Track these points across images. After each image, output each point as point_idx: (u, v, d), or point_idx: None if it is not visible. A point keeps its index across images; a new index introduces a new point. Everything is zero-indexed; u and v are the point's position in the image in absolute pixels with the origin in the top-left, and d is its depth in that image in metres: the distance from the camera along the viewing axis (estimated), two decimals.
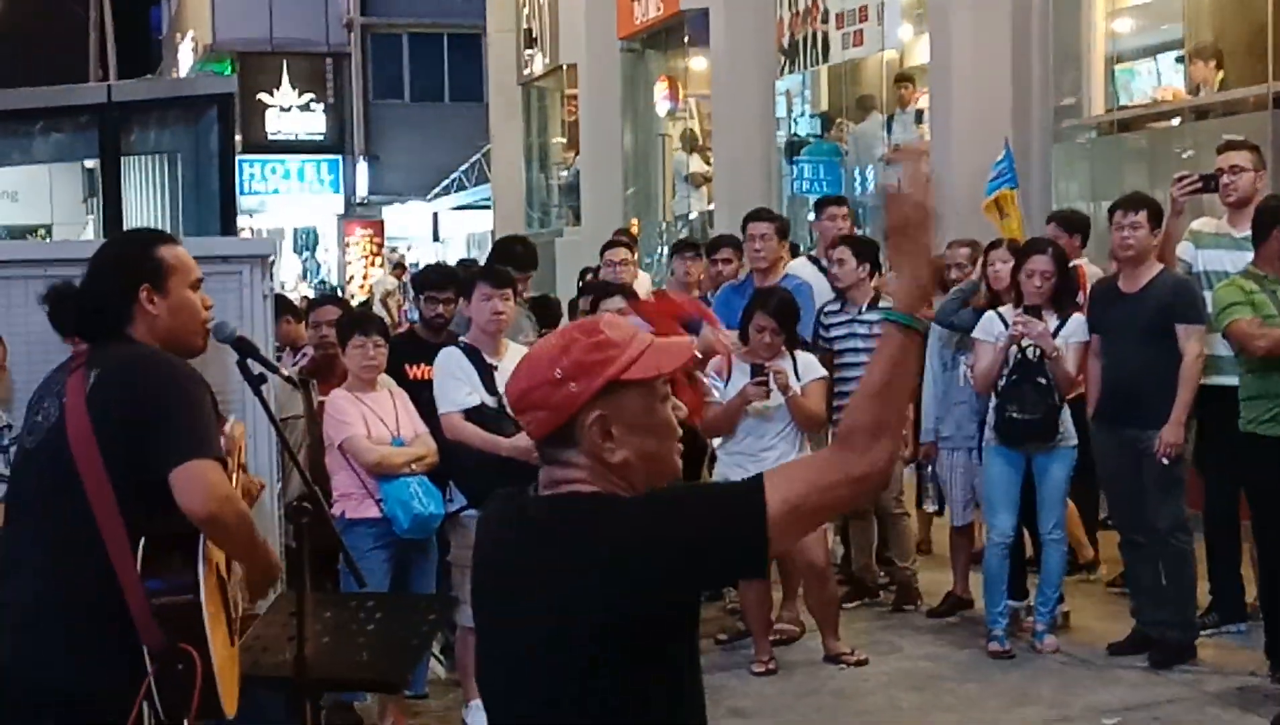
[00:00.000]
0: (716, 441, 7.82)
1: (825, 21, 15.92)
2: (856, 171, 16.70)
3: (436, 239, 35.65)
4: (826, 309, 8.62)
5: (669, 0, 19.49)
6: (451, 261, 17.80)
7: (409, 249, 35.80)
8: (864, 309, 8.44)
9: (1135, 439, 7.47)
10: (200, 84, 17.70)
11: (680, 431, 2.83)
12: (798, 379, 7.52)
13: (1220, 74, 11.47)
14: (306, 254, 39.44)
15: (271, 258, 6.60)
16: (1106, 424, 7.63)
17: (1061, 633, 8.01)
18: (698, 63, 20.11)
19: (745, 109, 17.32)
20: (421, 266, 16.58)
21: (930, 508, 8.91)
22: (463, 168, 33.35)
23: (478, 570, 2.89)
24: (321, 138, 38.22)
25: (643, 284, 13.87)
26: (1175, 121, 12.09)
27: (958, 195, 12.25)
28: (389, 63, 38.19)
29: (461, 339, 7.11)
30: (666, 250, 20.34)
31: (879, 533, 8.87)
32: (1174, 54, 12.39)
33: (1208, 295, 7.67)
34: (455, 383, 6.85)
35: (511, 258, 8.88)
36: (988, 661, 7.73)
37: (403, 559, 6.93)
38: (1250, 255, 7.49)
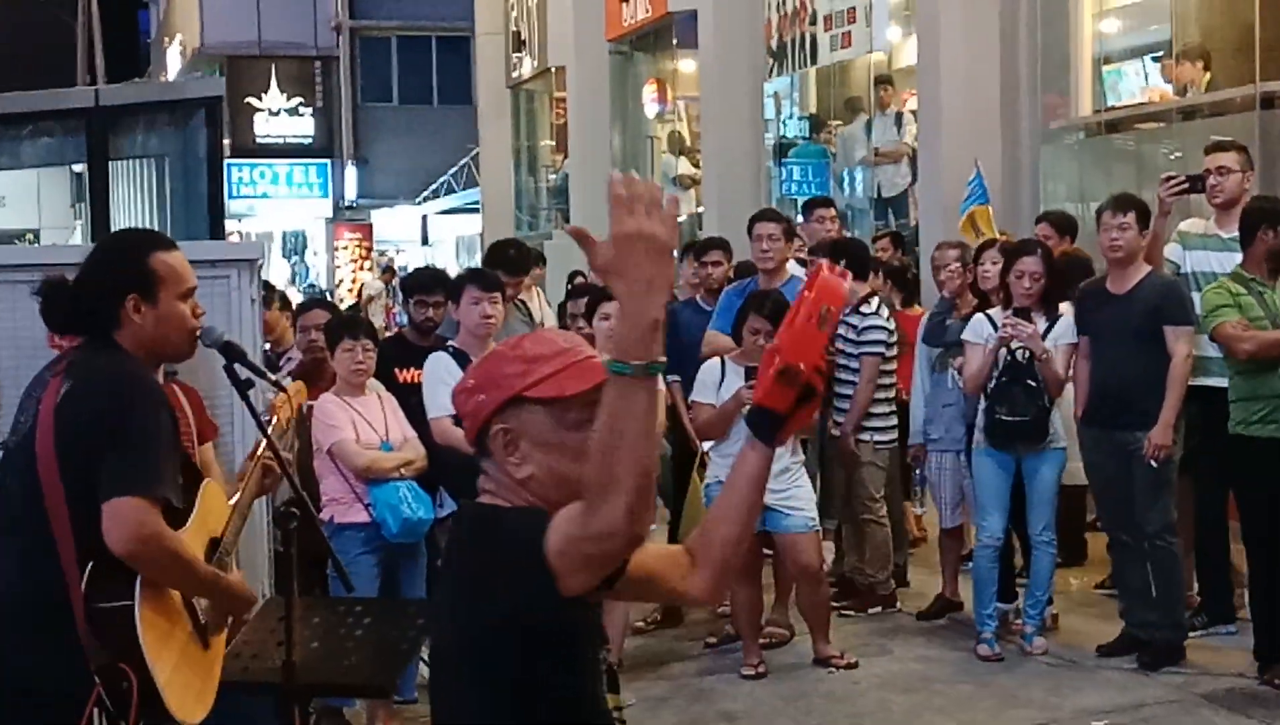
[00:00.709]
0: (708, 444, 7.80)
1: (813, 23, 15.92)
2: (845, 173, 16.71)
3: (425, 242, 35.66)
4: None
5: (657, 2, 19.50)
6: (440, 265, 17.84)
7: (398, 252, 35.80)
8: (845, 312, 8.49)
9: (1124, 441, 7.47)
10: (188, 88, 17.64)
11: None
12: None
13: (1207, 75, 11.49)
14: (295, 258, 39.40)
15: (260, 262, 6.58)
16: (1095, 426, 7.63)
17: (1051, 635, 8.01)
18: (686, 65, 20.12)
19: (734, 111, 17.32)
20: (410, 270, 16.58)
21: (919, 510, 8.91)
22: (451, 171, 33.35)
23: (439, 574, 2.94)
24: (310, 141, 38.19)
25: None
26: (1162, 124, 12.11)
27: (946, 197, 12.29)
28: (377, 66, 38.18)
29: (450, 343, 7.10)
30: None
31: (855, 541, 8.88)
32: (1161, 54, 12.40)
33: (1196, 296, 7.68)
34: (444, 387, 6.82)
35: (504, 261, 8.89)
36: (977, 664, 7.73)
37: (391, 564, 6.92)
38: (1238, 256, 7.51)
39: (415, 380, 7.15)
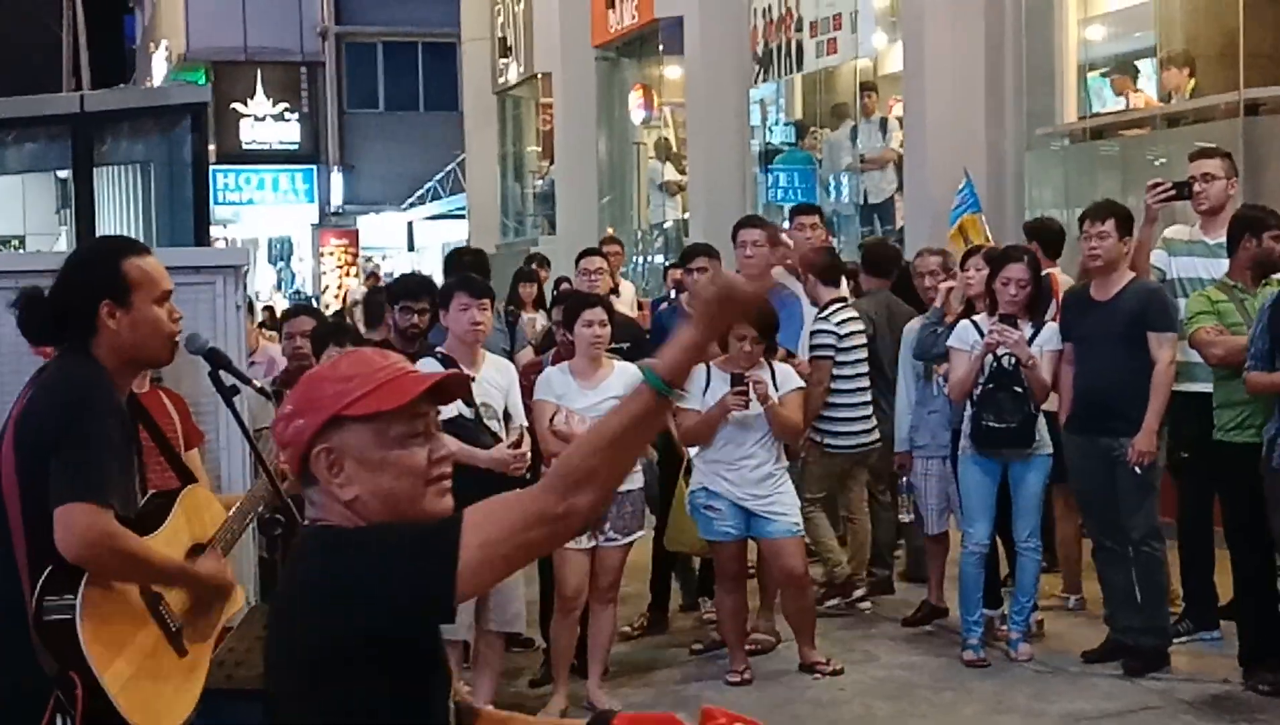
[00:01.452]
0: (693, 450, 7.80)
1: (799, 30, 15.97)
2: (830, 179, 16.74)
3: (411, 249, 35.63)
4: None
5: (644, 9, 19.52)
6: (426, 271, 17.80)
7: (384, 259, 35.76)
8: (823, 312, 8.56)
9: (1108, 447, 7.48)
10: (174, 93, 17.63)
11: (441, 471, 2.76)
12: (775, 389, 7.52)
13: (1192, 81, 11.53)
14: (281, 264, 39.36)
15: (245, 268, 6.57)
16: (1079, 432, 7.65)
17: (1036, 641, 8.01)
18: (672, 71, 20.16)
19: (720, 117, 17.36)
20: (396, 276, 16.56)
21: (906, 517, 8.90)
22: (438, 177, 33.36)
23: None
24: (296, 147, 38.18)
25: (627, 293, 13.90)
26: (1147, 130, 12.15)
27: (932, 202, 12.32)
28: (363, 72, 38.19)
29: (438, 349, 7.09)
30: (642, 259, 20.40)
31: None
32: (1149, 61, 12.45)
33: (1182, 303, 7.70)
34: None
35: (460, 269, 8.90)
36: (963, 670, 7.74)
37: None
38: (1225, 262, 7.54)
39: None
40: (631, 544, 7.49)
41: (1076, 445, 7.69)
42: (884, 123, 15.52)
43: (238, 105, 37.28)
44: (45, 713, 3.71)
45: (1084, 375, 7.61)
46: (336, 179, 37.93)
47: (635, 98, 20.99)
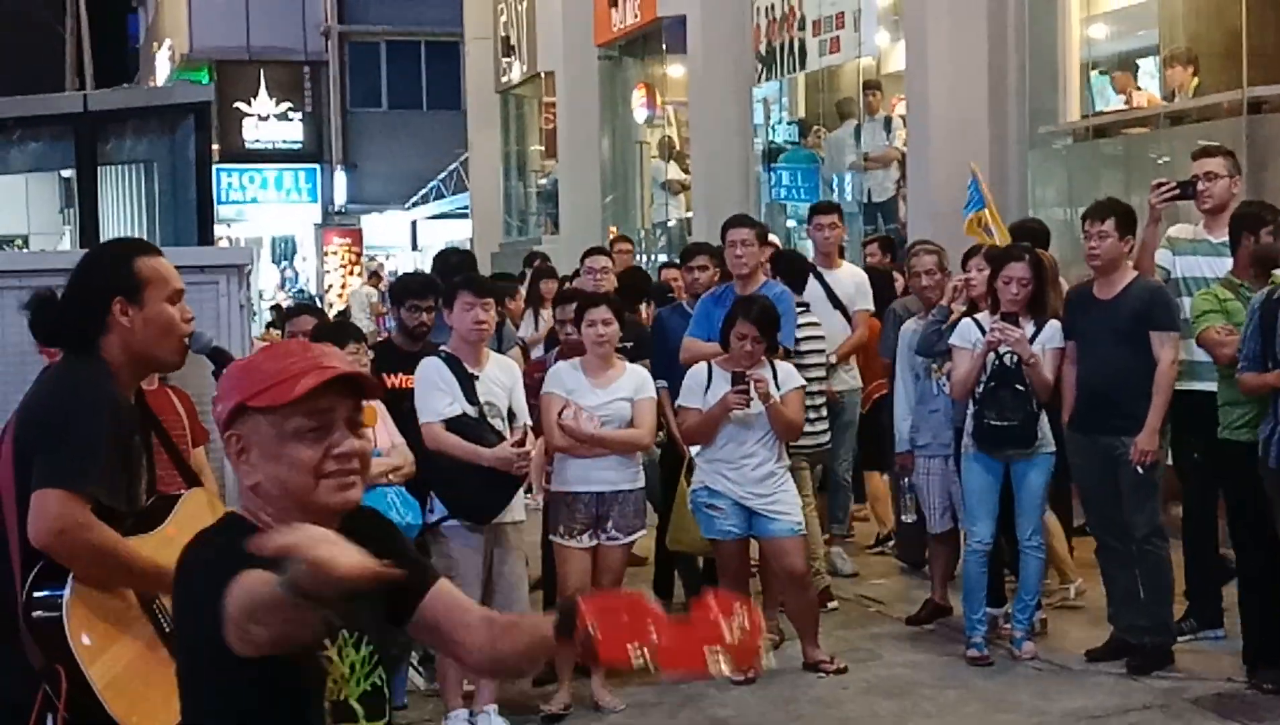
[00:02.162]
0: (695, 449, 7.81)
1: (802, 28, 15.95)
2: (834, 178, 16.74)
3: (415, 247, 35.62)
4: None
5: (646, 7, 19.52)
6: (429, 270, 17.81)
7: (388, 258, 35.77)
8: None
9: (1111, 445, 7.48)
10: (177, 93, 17.63)
11: (340, 466, 2.79)
12: (777, 387, 7.52)
13: (1195, 80, 11.52)
14: (285, 263, 39.35)
15: (248, 267, 6.58)
16: (1082, 430, 7.65)
17: (1040, 639, 8.01)
18: (675, 70, 20.14)
19: (723, 116, 17.35)
20: (399, 275, 16.57)
21: (909, 518, 8.89)
22: (441, 176, 33.35)
23: None
24: (299, 146, 38.16)
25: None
26: (1150, 129, 12.14)
27: (935, 201, 12.31)
28: (366, 71, 38.18)
29: (442, 348, 7.09)
30: (645, 258, 20.39)
31: None
32: (1152, 59, 12.45)
33: (1186, 301, 7.70)
34: (437, 392, 6.85)
35: (446, 269, 8.91)
36: (966, 669, 7.74)
37: None
38: (1229, 261, 7.54)
39: (406, 385, 7.15)
40: (634, 543, 7.50)
41: (1079, 444, 7.69)
42: (888, 122, 15.52)
43: (241, 104, 37.27)
44: (31, 712, 3.72)
45: (1086, 374, 7.62)
46: (340, 178, 37.92)
47: (638, 96, 20.99)
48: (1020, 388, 7.61)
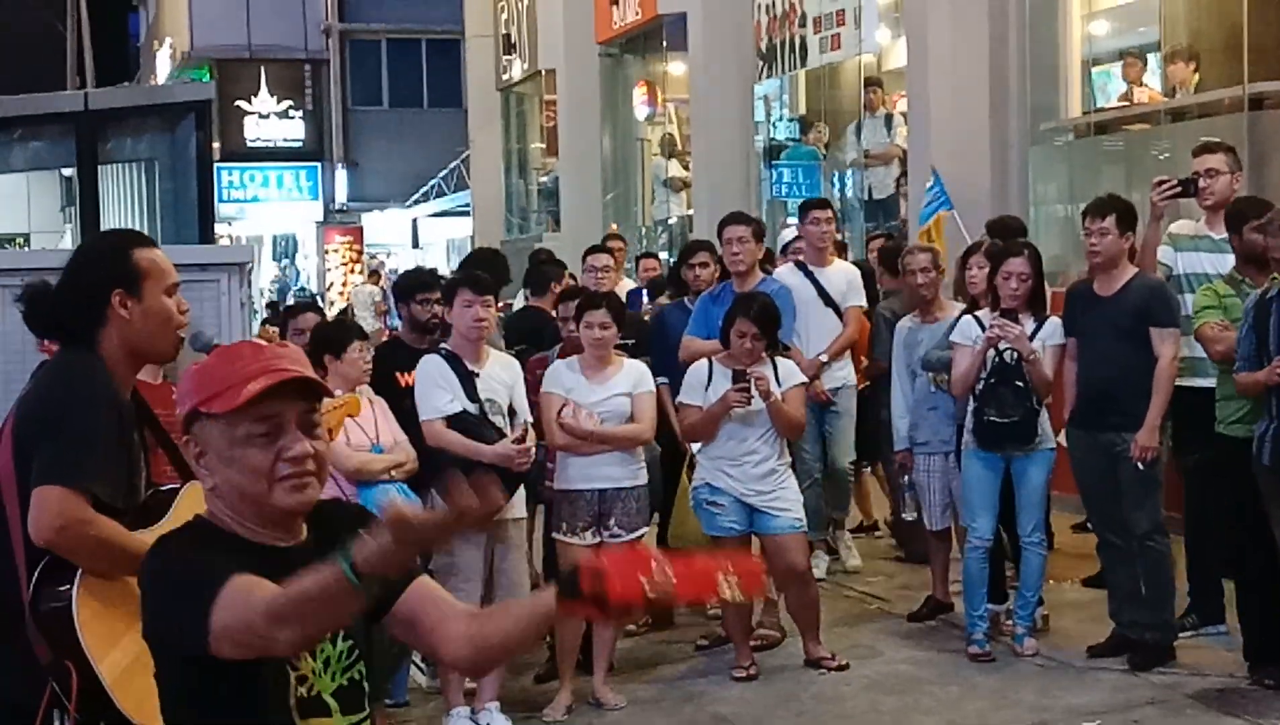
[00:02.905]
0: (696, 446, 7.81)
1: (803, 26, 15.96)
2: (835, 175, 16.74)
3: (416, 245, 35.64)
4: None
5: (647, 5, 19.52)
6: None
7: (389, 256, 35.78)
8: None
9: (1111, 442, 7.48)
10: (178, 91, 17.64)
11: (294, 469, 2.80)
12: (778, 384, 7.52)
13: (1196, 76, 11.51)
14: (286, 261, 39.36)
15: (249, 266, 6.59)
16: (1082, 427, 7.65)
17: (1041, 635, 8.01)
18: (676, 67, 20.15)
19: (724, 113, 17.35)
20: (400, 272, 16.58)
21: (909, 516, 8.89)
22: (442, 174, 33.35)
23: None
24: (300, 144, 38.14)
25: (630, 289, 13.89)
26: (1151, 125, 12.14)
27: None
28: (367, 69, 38.17)
29: (443, 345, 7.10)
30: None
31: None
32: (1153, 55, 12.44)
33: (1188, 298, 7.70)
34: (437, 390, 6.86)
35: (479, 268, 8.88)
36: (968, 665, 7.74)
37: None
38: (1230, 257, 7.54)
39: (412, 383, 7.16)
40: (636, 541, 7.51)
41: (1079, 440, 7.69)
42: (889, 118, 15.52)
43: (242, 103, 37.25)
44: (38, 711, 3.71)
45: (1086, 370, 7.62)
46: (341, 176, 37.91)
47: (639, 94, 21.00)
48: (1020, 384, 7.60)
